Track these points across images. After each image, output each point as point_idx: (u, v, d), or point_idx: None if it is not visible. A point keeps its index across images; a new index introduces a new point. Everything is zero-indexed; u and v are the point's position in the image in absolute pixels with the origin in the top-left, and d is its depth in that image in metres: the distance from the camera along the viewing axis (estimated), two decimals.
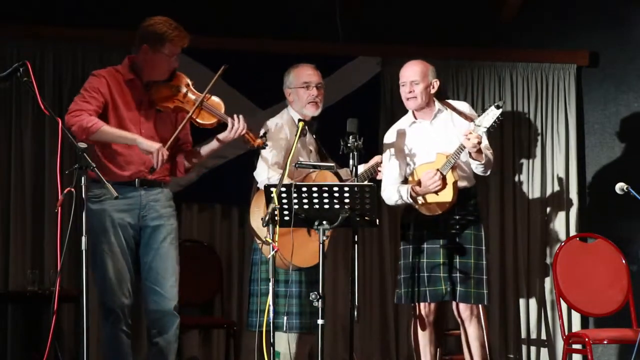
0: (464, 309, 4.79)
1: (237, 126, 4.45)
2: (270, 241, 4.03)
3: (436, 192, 4.70)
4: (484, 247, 4.82)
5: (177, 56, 4.47)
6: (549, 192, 6.55)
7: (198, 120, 4.45)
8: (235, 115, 4.47)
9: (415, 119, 4.90)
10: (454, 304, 4.82)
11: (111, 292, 4.34)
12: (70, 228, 3.69)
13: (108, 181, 4.15)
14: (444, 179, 4.67)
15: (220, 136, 4.50)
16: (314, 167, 4.70)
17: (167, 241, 4.45)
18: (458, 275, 4.75)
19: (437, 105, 4.89)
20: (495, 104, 4.62)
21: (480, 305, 4.80)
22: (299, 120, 4.66)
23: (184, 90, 4.47)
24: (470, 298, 4.75)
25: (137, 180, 4.40)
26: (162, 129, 4.46)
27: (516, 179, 6.55)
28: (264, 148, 4.60)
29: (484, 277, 4.77)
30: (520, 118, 6.58)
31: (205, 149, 4.58)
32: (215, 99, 4.50)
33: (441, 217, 4.77)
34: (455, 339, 5.03)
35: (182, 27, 4.43)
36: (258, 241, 4.76)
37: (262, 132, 4.65)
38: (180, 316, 4.46)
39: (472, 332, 4.82)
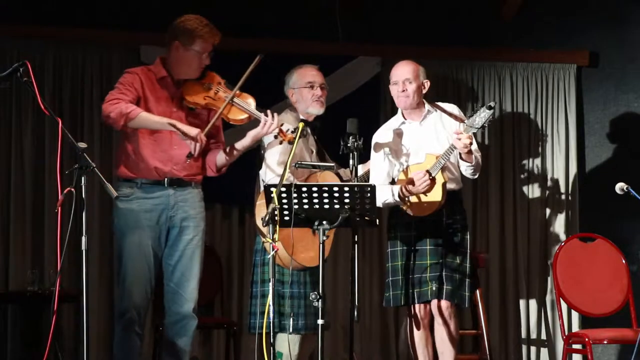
0: (446, 306, 4.77)
1: (270, 122, 4.42)
2: (271, 241, 4.03)
3: (425, 193, 4.69)
4: (468, 250, 4.82)
5: (208, 54, 4.47)
6: (549, 192, 6.55)
7: (229, 116, 4.46)
8: (268, 112, 4.46)
9: (405, 119, 4.90)
10: (434, 302, 4.79)
11: (130, 292, 4.34)
12: (70, 228, 3.69)
13: (136, 178, 4.19)
14: (432, 179, 4.65)
15: (252, 132, 4.48)
16: (314, 167, 4.69)
17: (193, 243, 4.46)
18: (444, 274, 4.74)
19: (427, 106, 4.89)
20: (487, 105, 4.58)
21: (453, 305, 4.78)
22: (301, 120, 4.65)
23: (215, 87, 4.47)
24: (454, 297, 4.75)
25: (166, 179, 4.39)
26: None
27: (516, 178, 6.54)
28: (293, 143, 4.55)
29: (467, 279, 4.77)
30: (520, 118, 6.57)
31: (239, 145, 4.55)
32: (246, 95, 4.50)
33: (429, 218, 4.76)
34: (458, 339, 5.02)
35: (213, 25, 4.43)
36: (263, 239, 4.73)
37: (290, 127, 4.56)
38: None
39: (450, 331, 4.81)
